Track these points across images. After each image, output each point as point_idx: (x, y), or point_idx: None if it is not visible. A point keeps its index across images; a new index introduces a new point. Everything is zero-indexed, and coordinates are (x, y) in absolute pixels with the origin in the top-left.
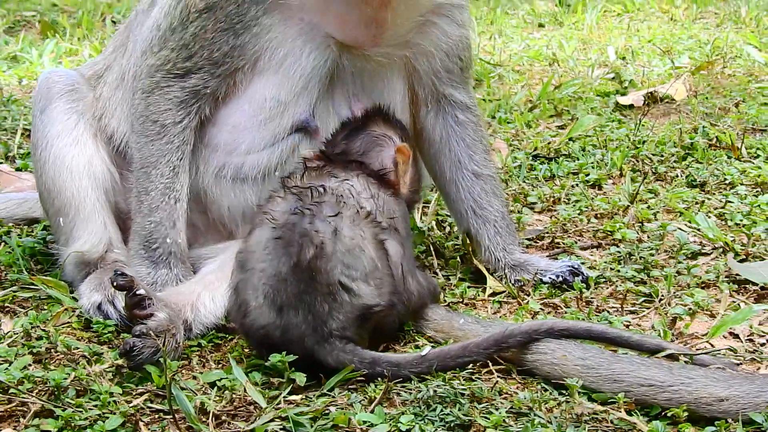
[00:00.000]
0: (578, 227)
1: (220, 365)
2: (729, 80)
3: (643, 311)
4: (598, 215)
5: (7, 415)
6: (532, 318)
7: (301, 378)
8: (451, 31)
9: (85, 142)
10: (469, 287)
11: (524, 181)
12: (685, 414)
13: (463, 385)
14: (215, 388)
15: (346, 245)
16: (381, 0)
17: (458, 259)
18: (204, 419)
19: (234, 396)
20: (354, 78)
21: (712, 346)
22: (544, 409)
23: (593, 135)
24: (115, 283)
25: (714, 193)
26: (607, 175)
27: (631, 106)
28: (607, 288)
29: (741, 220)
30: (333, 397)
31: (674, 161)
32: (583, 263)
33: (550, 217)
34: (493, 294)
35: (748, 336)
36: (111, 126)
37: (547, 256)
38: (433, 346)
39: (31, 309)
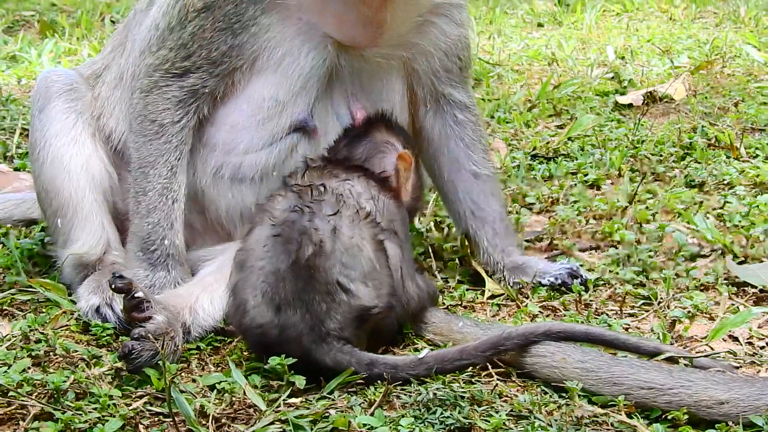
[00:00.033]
0: (577, 228)
1: (219, 368)
2: (728, 80)
3: (642, 314)
4: (597, 216)
5: (7, 418)
6: (531, 321)
7: (300, 381)
8: (450, 30)
9: (84, 142)
10: (467, 290)
11: (523, 181)
12: (686, 417)
13: (463, 388)
14: (215, 391)
15: (344, 244)
16: (380, 1)
17: (457, 261)
18: (204, 422)
19: (233, 399)
20: (353, 78)
21: (711, 349)
22: (544, 412)
23: (592, 135)
24: (113, 286)
25: (713, 193)
26: (605, 175)
27: (630, 106)
28: (606, 290)
29: (740, 221)
30: (333, 400)
31: (673, 161)
32: (581, 265)
33: (549, 218)
34: (492, 297)
35: (747, 339)
36: (109, 125)
37: (545, 258)
38: (431, 349)
39: (30, 312)
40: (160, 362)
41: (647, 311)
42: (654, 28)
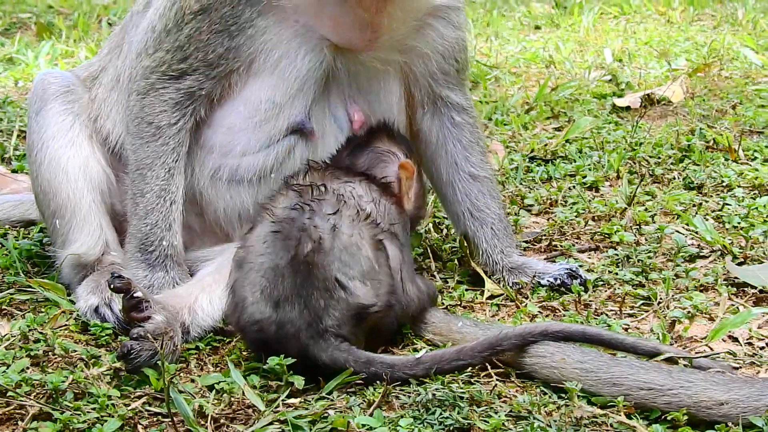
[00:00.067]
0: (575, 230)
1: (218, 368)
2: (726, 82)
3: (642, 314)
4: (596, 218)
5: (6, 418)
6: (531, 321)
7: (299, 381)
8: (447, 33)
9: (81, 144)
10: (467, 290)
11: (521, 183)
12: (685, 417)
13: (462, 388)
14: (213, 391)
15: (343, 242)
16: (377, 5)
17: (456, 261)
18: (202, 422)
19: (232, 399)
20: (350, 80)
21: (711, 349)
22: (543, 412)
23: (590, 137)
24: (112, 286)
25: (711, 195)
26: (604, 177)
27: (627, 108)
28: (605, 291)
29: (739, 223)
30: (332, 400)
31: (671, 163)
32: (581, 266)
33: (547, 220)
34: (491, 297)
35: (747, 339)
36: (106, 127)
37: (544, 259)
38: (430, 349)
39: (29, 312)
40: (159, 362)
41: (647, 312)
42: (651, 31)
